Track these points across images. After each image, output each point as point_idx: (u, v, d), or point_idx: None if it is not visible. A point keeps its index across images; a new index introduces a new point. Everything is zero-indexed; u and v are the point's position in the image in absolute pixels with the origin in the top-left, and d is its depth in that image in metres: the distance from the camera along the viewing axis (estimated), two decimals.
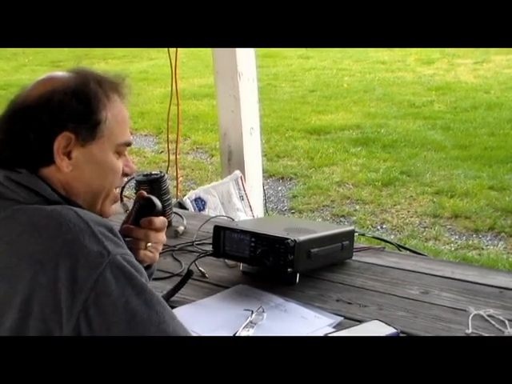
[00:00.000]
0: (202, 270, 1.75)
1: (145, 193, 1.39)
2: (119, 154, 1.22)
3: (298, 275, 1.64)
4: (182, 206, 2.75)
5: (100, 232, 1.04)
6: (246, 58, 3.14)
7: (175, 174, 3.72)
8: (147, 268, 1.39)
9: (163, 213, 1.52)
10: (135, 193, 2.13)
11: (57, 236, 1.03)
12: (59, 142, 1.12)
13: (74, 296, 0.98)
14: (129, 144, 1.24)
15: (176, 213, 2.21)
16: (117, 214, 1.38)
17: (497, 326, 1.41)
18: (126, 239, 1.35)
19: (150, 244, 1.35)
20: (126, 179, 1.32)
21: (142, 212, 1.36)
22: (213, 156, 5.89)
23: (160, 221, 1.36)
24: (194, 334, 1.39)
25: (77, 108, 1.13)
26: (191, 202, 2.87)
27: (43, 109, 1.12)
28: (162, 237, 1.38)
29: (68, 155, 1.14)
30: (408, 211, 4.49)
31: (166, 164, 3.85)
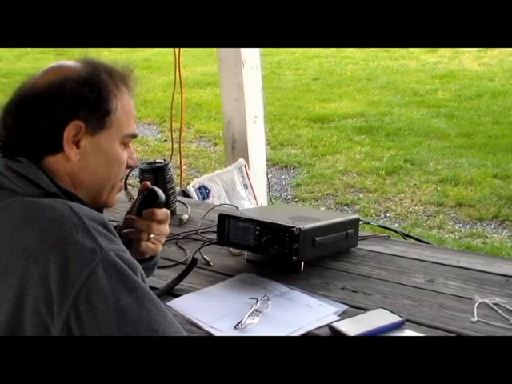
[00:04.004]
0: (207, 258, 1.75)
1: (149, 184, 1.38)
2: (125, 145, 1.21)
3: (302, 263, 1.64)
4: (186, 194, 2.74)
5: (93, 227, 1.02)
6: None
7: (179, 162, 3.72)
8: (150, 259, 1.39)
9: (167, 204, 1.51)
10: (139, 181, 2.13)
11: (49, 230, 1.01)
12: (69, 130, 1.11)
13: (64, 292, 0.97)
14: (135, 136, 1.23)
15: (180, 201, 2.20)
16: (120, 202, 1.37)
17: (502, 314, 1.40)
18: (127, 230, 1.34)
19: (152, 235, 1.34)
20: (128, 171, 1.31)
21: (146, 203, 1.35)
22: (216, 144, 5.88)
23: (162, 212, 1.35)
24: (196, 322, 1.40)
25: (88, 96, 1.12)
26: (195, 190, 2.87)
27: (54, 96, 1.11)
28: (165, 228, 1.37)
29: (77, 144, 1.13)
30: (412, 200, 4.48)
31: (170, 152, 3.85)
